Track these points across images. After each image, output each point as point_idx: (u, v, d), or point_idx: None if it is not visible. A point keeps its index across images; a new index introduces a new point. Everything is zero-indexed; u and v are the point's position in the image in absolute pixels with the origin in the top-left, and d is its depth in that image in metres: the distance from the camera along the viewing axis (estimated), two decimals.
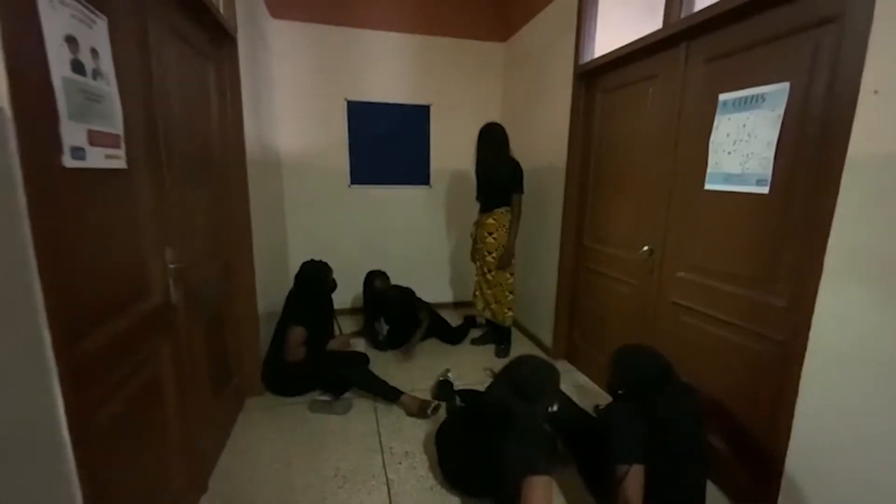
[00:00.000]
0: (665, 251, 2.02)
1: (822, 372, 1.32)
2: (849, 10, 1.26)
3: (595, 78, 2.51)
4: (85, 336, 0.95)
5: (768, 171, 1.52)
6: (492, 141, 2.75)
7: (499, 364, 2.63)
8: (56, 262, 0.82)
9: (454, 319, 3.48)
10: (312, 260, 2.69)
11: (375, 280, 3.15)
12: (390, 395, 2.29)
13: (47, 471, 0.82)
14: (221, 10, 1.89)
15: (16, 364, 0.74)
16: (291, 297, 2.57)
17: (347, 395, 2.37)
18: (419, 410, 2.20)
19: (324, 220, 3.57)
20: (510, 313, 2.90)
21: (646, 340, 2.10)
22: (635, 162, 2.22)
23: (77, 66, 0.94)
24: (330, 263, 2.71)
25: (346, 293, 3.57)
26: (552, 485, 1.42)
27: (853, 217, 1.22)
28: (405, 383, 2.42)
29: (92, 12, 0.99)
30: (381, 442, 2.02)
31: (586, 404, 2.15)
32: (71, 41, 0.92)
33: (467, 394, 2.28)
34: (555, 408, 1.69)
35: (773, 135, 1.50)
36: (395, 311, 3.09)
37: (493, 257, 2.80)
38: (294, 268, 2.64)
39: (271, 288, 2.69)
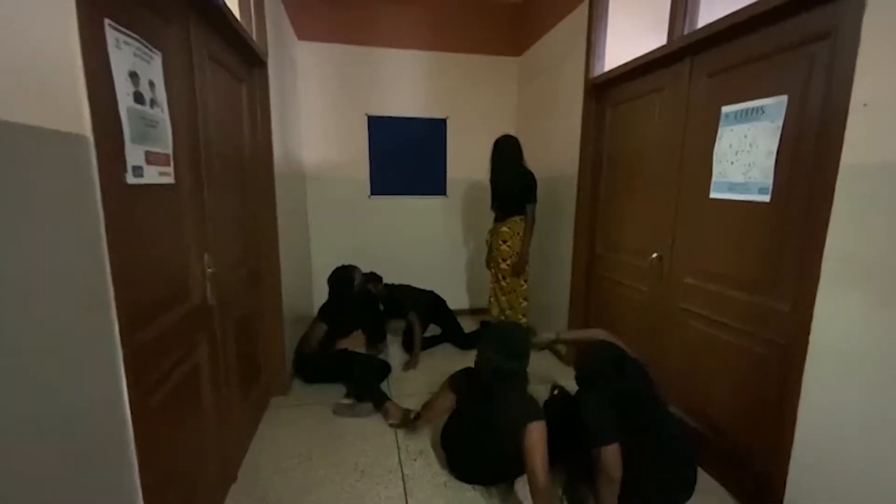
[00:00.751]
0: (673, 258, 2.08)
1: (823, 372, 1.37)
2: (840, 26, 1.32)
3: (605, 91, 2.59)
4: (142, 328, 1.10)
5: (769, 180, 1.57)
6: (506, 152, 2.86)
7: None
8: (122, 263, 0.97)
9: (470, 325, 3.57)
10: (343, 265, 2.93)
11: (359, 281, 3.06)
12: (377, 402, 2.32)
13: (111, 441, 0.95)
14: (254, 37, 2.07)
15: (93, 344, 0.90)
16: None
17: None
18: (402, 419, 2.20)
19: (345, 229, 3.74)
20: (524, 319, 2.97)
21: (656, 345, 2.16)
22: (644, 171, 2.29)
23: (138, 97, 1.09)
24: None
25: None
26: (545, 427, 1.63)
27: (847, 223, 1.28)
28: (421, 387, 2.51)
29: (150, 49, 1.15)
30: (397, 441, 2.12)
31: None
32: (133, 76, 1.08)
33: (462, 375, 2.08)
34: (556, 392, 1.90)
35: (773, 145, 1.55)
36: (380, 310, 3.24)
37: (508, 264, 2.89)
38: (317, 274, 2.82)
39: (296, 293, 2.85)
